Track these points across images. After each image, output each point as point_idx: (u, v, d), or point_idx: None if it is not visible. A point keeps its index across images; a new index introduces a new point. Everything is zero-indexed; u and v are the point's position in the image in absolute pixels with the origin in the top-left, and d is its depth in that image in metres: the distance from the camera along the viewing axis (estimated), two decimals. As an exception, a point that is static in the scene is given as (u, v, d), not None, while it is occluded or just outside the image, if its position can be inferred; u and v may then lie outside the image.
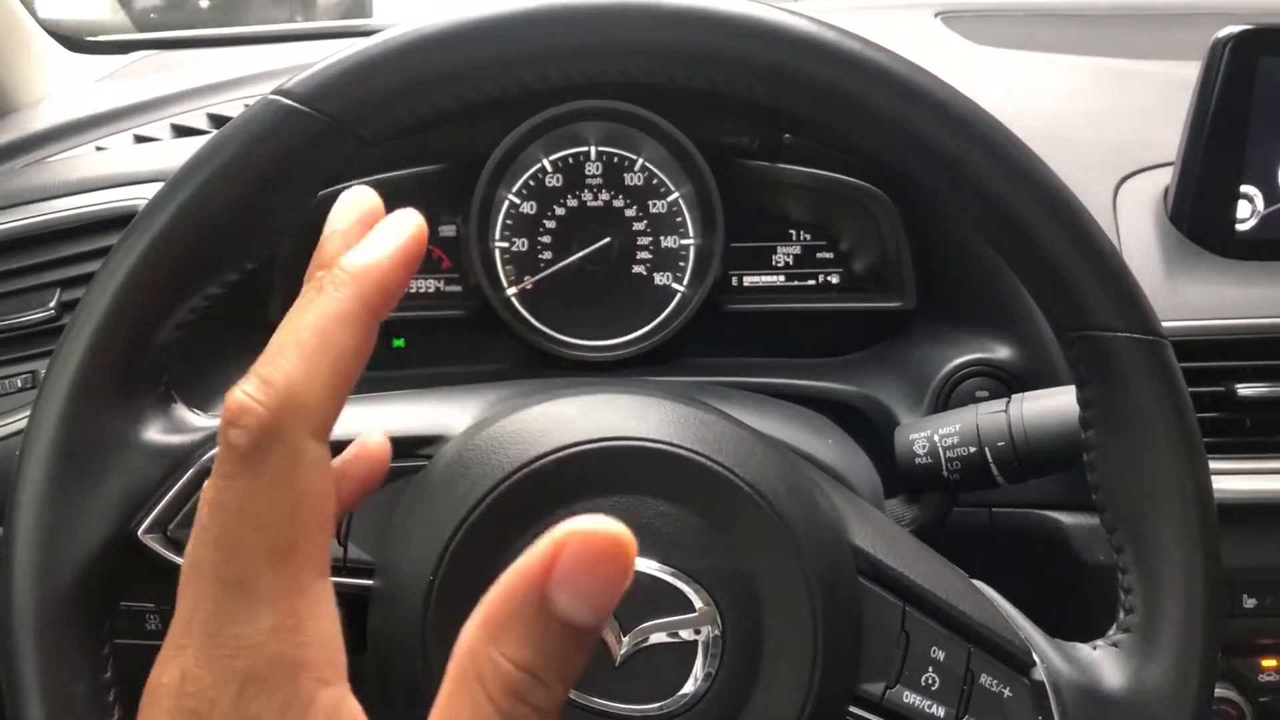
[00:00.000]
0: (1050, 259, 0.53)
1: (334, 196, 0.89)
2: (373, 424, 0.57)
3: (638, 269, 0.95)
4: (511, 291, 0.94)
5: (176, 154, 0.88)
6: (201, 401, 0.83)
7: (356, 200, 0.41)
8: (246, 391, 0.35)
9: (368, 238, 0.39)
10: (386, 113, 0.52)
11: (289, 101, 0.51)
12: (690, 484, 0.51)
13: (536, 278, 0.94)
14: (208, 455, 0.54)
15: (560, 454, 0.51)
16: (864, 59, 0.51)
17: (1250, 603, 0.82)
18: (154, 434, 0.54)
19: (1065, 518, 0.82)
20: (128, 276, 0.51)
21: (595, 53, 0.52)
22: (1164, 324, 0.54)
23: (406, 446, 0.56)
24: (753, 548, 0.51)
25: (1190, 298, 0.84)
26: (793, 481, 0.54)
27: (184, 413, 0.56)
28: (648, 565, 0.50)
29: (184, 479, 0.54)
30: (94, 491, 0.51)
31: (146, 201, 0.52)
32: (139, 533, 0.53)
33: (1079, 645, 0.56)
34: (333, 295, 0.37)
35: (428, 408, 0.59)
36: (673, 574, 0.50)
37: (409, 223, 0.40)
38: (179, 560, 0.53)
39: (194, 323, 0.54)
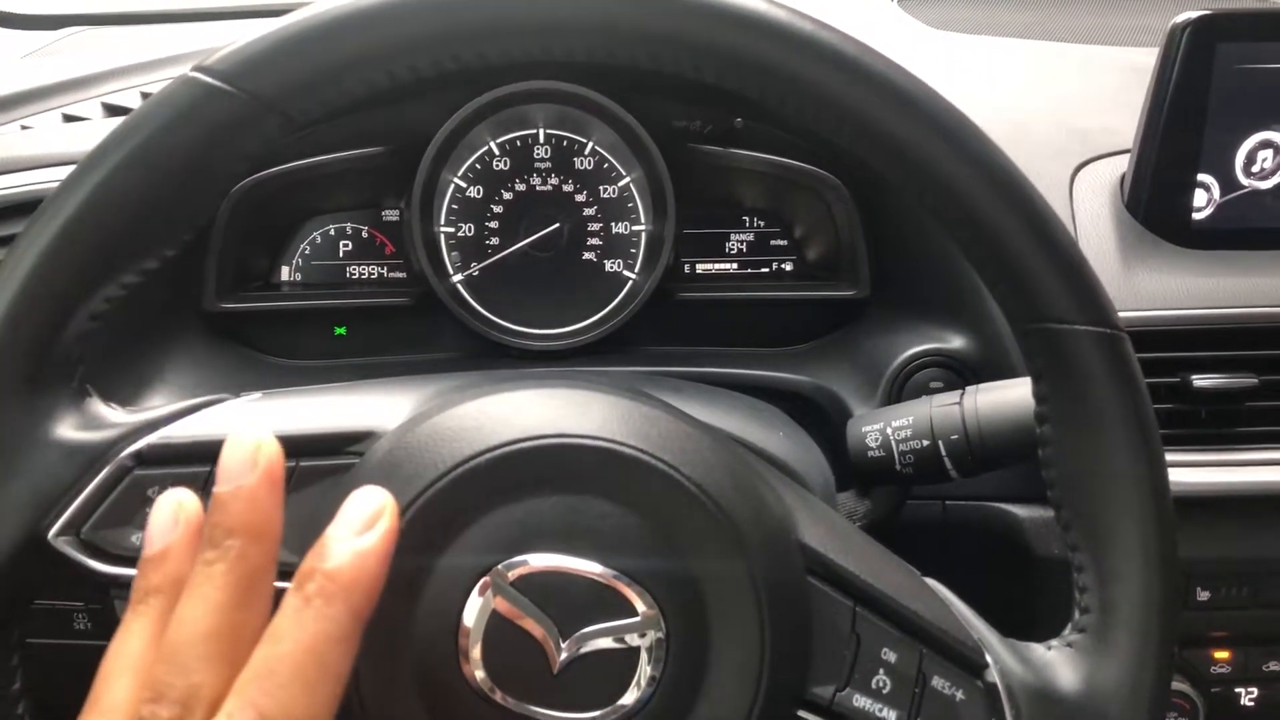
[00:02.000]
0: (1006, 250, 0.51)
1: (264, 183, 0.85)
2: (302, 419, 0.55)
3: (588, 255, 0.93)
4: (457, 278, 0.91)
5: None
6: (124, 394, 0.80)
7: (253, 449, 0.39)
8: None
9: (341, 528, 0.39)
10: (315, 91, 0.49)
11: (209, 79, 0.48)
12: (632, 482, 0.49)
13: (483, 264, 0.92)
14: (125, 452, 0.52)
15: (495, 452, 0.49)
16: (815, 40, 0.49)
17: (1204, 595, 0.82)
18: (66, 431, 0.51)
19: (1019, 510, 0.81)
20: (35, 265, 0.48)
21: (535, 29, 0.49)
22: (1119, 314, 0.53)
23: (335, 443, 0.54)
24: (697, 548, 0.49)
25: (1146, 287, 0.83)
26: (740, 478, 0.52)
27: (99, 407, 0.53)
28: (588, 567, 0.48)
29: (99, 478, 0.51)
30: (0, 495, 0.49)
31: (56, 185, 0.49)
32: (49, 535, 0.50)
33: (1033, 645, 0.55)
34: (324, 612, 0.37)
35: (358, 402, 0.57)
36: (614, 576, 0.48)
37: (383, 509, 0.39)
38: (93, 564, 0.50)
39: (112, 311, 0.52)
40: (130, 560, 0.51)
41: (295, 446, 0.53)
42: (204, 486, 0.52)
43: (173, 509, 0.41)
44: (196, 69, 0.48)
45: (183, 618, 0.37)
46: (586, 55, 0.49)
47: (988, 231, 0.51)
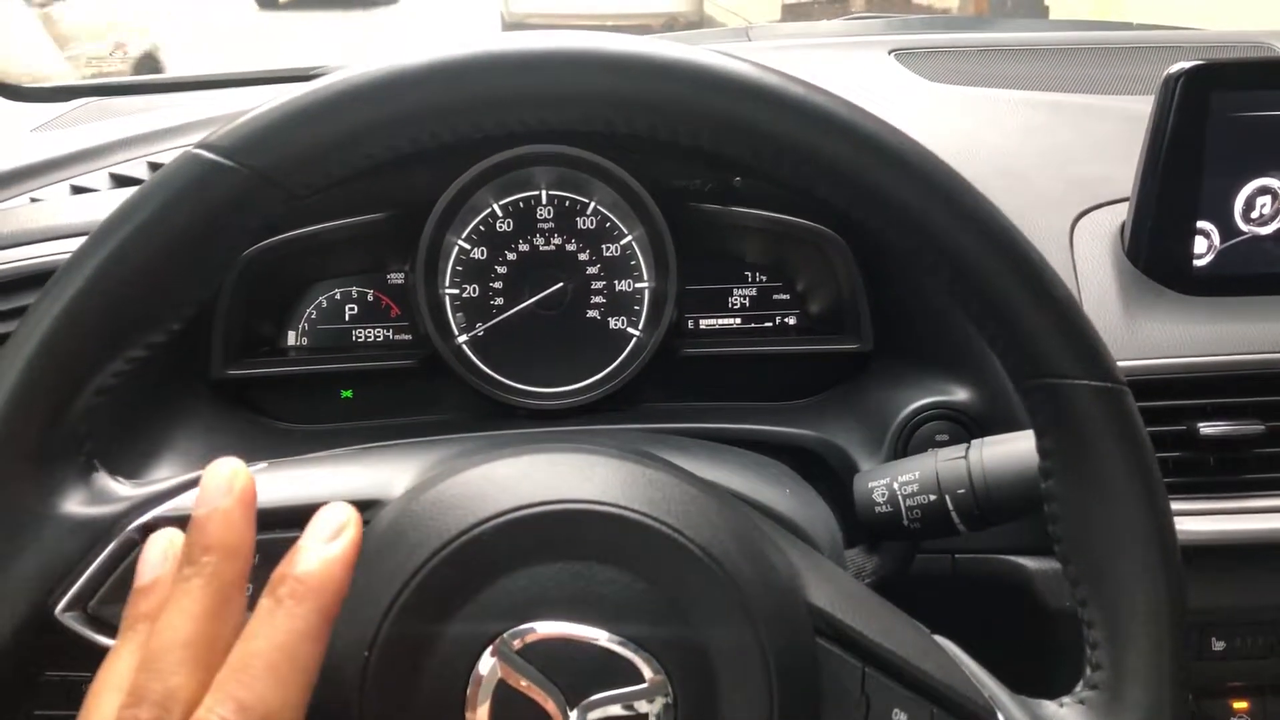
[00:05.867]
0: (1004, 306, 0.51)
1: (270, 250, 0.86)
2: (307, 488, 0.55)
3: (592, 314, 0.94)
4: (462, 339, 0.92)
5: (114, 206, 0.86)
6: (132, 465, 0.80)
7: (229, 477, 0.44)
8: (223, 716, 0.38)
9: (310, 539, 0.43)
10: (317, 165, 0.49)
11: (212, 156, 0.49)
12: (637, 548, 0.49)
13: (488, 324, 0.92)
14: (131, 526, 0.52)
15: (500, 520, 0.49)
16: (810, 105, 0.50)
17: (1219, 645, 0.81)
18: (73, 506, 0.51)
19: (1029, 563, 0.81)
20: (41, 343, 0.48)
21: (532, 101, 0.50)
22: (1123, 363, 0.53)
23: None
24: (704, 613, 0.49)
25: (1149, 335, 0.83)
26: (746, 540, 0.52)
27: (106, 481, 0.53)
28: (595, 634, 0.48)
29: (105, 553, 0.51)
30: (6, 572, 0.49)
31: (63, 261, 0.50)
32: (56, 611, 0.50)
33: (1045, 703, 0.54)
34: (294, 611, 0.41)
35: (363, 470, 0.57)
36: (621, 643, 0.48)
37: (348, 521, 0.44)
38: (100, 639, 0.50)
39: (119, 384, 0.52)
40: None
41: (301, 516, 0.53)
42: None
43: (163, 545, 0.45)
44: (199, 145, 0.49)
45: (162, 628, 0.41)
46: (584, 125, 0.50)
47: (985, 289, 0.51)
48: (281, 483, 0.55)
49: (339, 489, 0.55)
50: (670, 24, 8.75)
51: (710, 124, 0.50)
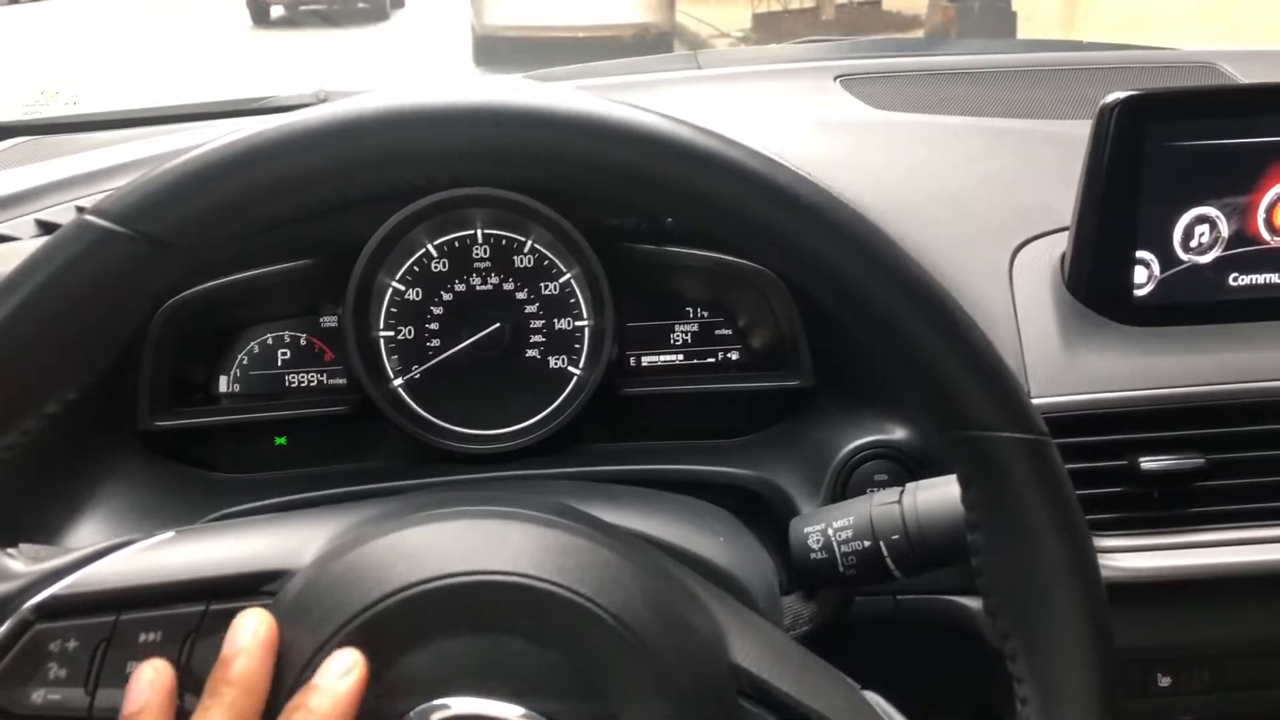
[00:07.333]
0: (924, 359, 0.50)
1: (197, 297, 0.83)
2: (212, 560, 0.53)
3: (531, 353, 0.92)
4: (398, 383, 0.90)
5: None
6: (54, 523, 0.78)
7: (255, 624, 0.48)
8: None
9: (322, 676, 0.46)
10: (214, 227, 0.48)
11: (104, 222, 0.47)
12: (549, 619, 0.48)
13: (424, 367, 0.91)
14: (26, 605, 0.50)
15: (405, 593, 0.48)
16: (720, 158, 0.49)
17: (1165, 681, 0.80)
18: None
19: (970, 602, 0.80)
20: None
21: (435, 158, 0.48)
22: (1063, 397, 0.52)
23: (250, 583, 0.52)
24: (618, 687, 0.48)
25: (1089, 368, 0.82)
26: (664, 604, 0.51)
27: (1, 559, 0.51)
28: (507, 710, 0.47)
29: None
30: None
31: None
32: None
33: None
34: None
35: (271, 538, 0.55)
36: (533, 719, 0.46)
37: (355, 663, 0.46)
38: None
39: (20, 455, 0.50)
40: None
41: (205, 589, 0.52)
42: (109, 636, 0.50)
43: (149, 675, 0.47)
44: (90, 212, 0.47)
45: None
46: (483, 181, 0.49)
47: (903, 341, 0.50)
48: (186, 554, 0.54)
49: (246, 560, 0.53)
50: (642, 34, 8.74)
51: (626, 182, 0.48)
